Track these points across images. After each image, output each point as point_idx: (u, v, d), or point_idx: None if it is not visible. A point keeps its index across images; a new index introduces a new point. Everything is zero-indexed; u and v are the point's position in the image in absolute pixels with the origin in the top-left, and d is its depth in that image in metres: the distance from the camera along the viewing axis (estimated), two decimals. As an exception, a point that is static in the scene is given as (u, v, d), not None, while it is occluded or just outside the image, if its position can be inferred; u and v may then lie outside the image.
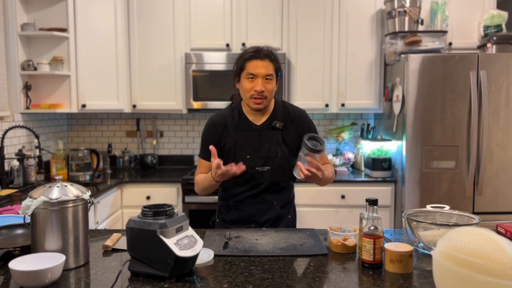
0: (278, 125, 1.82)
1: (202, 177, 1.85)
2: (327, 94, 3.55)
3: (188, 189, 3.20)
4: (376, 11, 3.49)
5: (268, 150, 1.81)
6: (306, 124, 1.88)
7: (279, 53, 3.37)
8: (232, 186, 1.86)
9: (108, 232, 1.70)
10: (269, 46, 1.82)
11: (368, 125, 3.69)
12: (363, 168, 3.59)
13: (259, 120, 1.85)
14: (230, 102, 1.95)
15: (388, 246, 1.30)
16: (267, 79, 1.75)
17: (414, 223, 1.45)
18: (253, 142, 1.82)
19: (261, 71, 1.73)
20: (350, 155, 3.58)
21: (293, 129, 1.86)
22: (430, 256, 1.38)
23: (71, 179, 3.17)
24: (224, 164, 1.84)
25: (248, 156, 1.80)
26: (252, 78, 1.74)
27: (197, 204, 3.21)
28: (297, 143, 1.85)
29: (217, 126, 1.84)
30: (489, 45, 3.23)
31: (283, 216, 1.90)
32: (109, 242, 1.50)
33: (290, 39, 3.49)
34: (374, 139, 3.56)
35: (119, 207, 3.25)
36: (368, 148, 3.50)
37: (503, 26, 3.36)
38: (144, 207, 1.27)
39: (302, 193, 3.20)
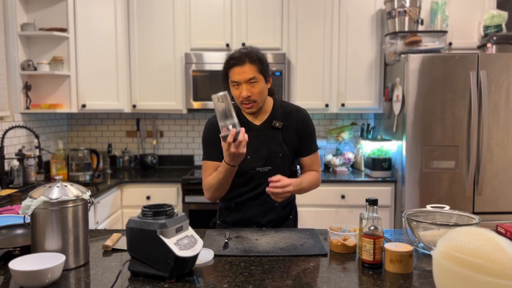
0: (277, 124, 1.81)
1: (213, 176, 1.79)
2: (327, 94, 3.55)
3: (188, 189, 3.20)
4: (376, 11, 3.49)
5: (269, 150, 1.80)
6: (304, 124, 1.85)
7: (279, 53, 3.38)
8: (233, 187, 1.84)
9: (108, 232, 1.70)
10: (252, 46, 1.79)
11: (368, 125, 3.69)
12: (363, 168, 3.59)
13: (258, 120, 1.83)
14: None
15: (388, 246, 1.30)
16: (251, 82, 1.72)
17: (414, 223, 1.45)
18: (253, 142, 1.80)
19: (242, 77, 1.71)
20: (350, 155, 3.58)
21: (293, 128, 1.84)
22: (430, 256, 1.38)
23: (71, 179, 3.17)
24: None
25: (248, 157, 1.78)
26: (237, 85, 1.74)
27: (197, 204, 3.21)
28: (297, 143, 1.85)
29: (217, 127, 1.82)
30: (489, 45, 3.23)
31: (284, 217, 1.89)
32: (109, 242, 1.50)
33: (290, 39, 3.49)
34: (374, 139, 3.56)
35: (119, 207, 3.25)
36: (368, 148, 3.50)
37: (503, 26, 3.36)
38: (144, 207, 1.27)
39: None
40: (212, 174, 1.79)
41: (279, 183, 1.64)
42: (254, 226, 1.84)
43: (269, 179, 1.67)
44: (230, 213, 1.89)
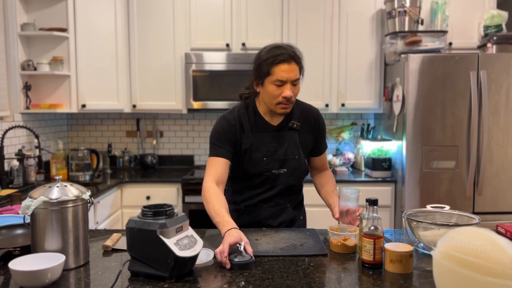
0: (295, 125, 1.76)
1: (214, 205, 1.56)
2: (327, 94, 3.55)
3: (188, 189, 3.20)
4: (376, 11, 3.49)
5: (285, 152, 1.75)
6: (320, 125, 1.82)
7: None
8: (244, 189, 1.78)
9: (108, 232, 1.70)
10: (291, 44, 1.68)
11: (368, 125, 3.69)
12: (363, 168, 3.59)
13: (276, 121, 1.76)
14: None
15: (388, 246, 1.30)
16: (294, 84, 1.64)
17: (414, 223, 1.45)
18: (270, 143, 1.74)
19: (290, 76, 1.61)
20: (350, 155, 3.58)
21: (308, 129, 1.80)
22: (430, 256, 1.38)
23: (71, 179, 3.17)
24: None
25: (264, 158, 1.73)
26: (280, 84, 1.61)
27: (197, 204, 3.21)
28: (311, 143, 1.82)
29: (233, 126, 1.73)
30: (489, 45, 3.23)
31: (296, 218, 1.86)
32: (109, 242, 1.50)
33: (290, 39, 3.49)
34: (374, 139, 3.56)
35: (119, 207, 3.25)
36: (368, 148, 3.50)
37: (503, 26, 3.36)
38: (144, 207, 1.26)
39: (302, 193, 3.20)
40: (217, 199, 1.56)
41: (351, 216, 1.60)
42: (264, 228, 1.78)
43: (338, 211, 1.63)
44: (240, 217, 1.81)
